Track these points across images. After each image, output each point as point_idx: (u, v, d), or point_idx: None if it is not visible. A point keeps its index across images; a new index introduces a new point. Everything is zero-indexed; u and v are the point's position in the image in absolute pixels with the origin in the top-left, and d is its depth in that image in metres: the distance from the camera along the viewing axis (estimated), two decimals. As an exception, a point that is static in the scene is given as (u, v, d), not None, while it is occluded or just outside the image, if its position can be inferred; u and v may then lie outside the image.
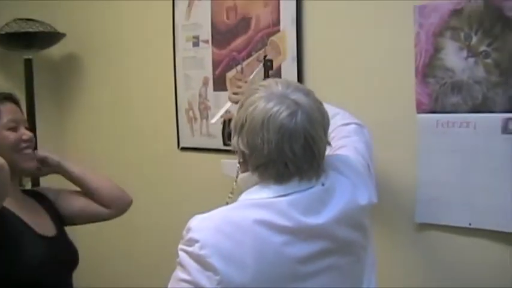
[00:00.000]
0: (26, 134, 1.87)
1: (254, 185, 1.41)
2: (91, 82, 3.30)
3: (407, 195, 2.09)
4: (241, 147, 1.40)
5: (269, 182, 1.39)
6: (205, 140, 2.72)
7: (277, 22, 2.40)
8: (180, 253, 1.34)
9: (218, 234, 1.32)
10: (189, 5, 2.73)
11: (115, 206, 2.11)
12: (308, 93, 1.41)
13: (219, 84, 2.63)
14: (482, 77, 1.90)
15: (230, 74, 2.58)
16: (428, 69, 2.01)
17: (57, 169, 2.05)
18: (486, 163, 1.92)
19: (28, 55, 3.10)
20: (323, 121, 1.41)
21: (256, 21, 2.47)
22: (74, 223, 2.09)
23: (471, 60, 1.92)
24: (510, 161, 1.86)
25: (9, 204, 1.75)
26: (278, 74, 2.38)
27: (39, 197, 2.02)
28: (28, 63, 3.11)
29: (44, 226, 1.91)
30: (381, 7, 2.13)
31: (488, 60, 1.89)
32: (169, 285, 1.36)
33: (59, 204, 2.05)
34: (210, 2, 2.64)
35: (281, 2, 2.38)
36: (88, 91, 3.32)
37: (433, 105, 2.01)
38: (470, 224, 1.96)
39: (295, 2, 2.33)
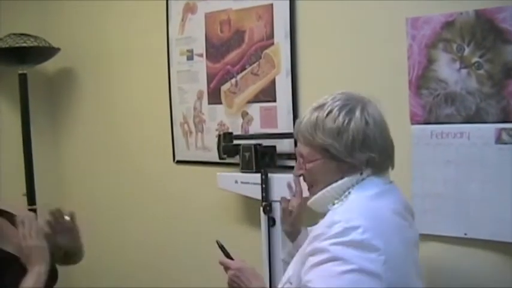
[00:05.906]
0: None
1: (331, 201, 1.49)
2: (85, 96, 3.30)
3: (402, 206, 2.09)
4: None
5: (372, 178, 1.50)
6: (201, 153, 2.72)
7: (271, 35, 2.41)
8: (333, 248, 1.33)
9: (370, 219, 1.37)
10: (183, 19, 2.74)
11: None
12: None
13: (214, 97, 2.64)
14: (475, 88, 1.92)
15: (225, 88, 2.58)
16: (422, 80, 2.02)
17: None
18: (480, 173, 1.93)
19: (23, 70, 3.11)
20: None
21: (250, 35, 2.48)
22: None
23: (464, 71, 1.94)
24: (504, 170, 1.88)
25: None
26: (272, 87, 2.39)
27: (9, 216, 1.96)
28: (23, 78, 3.11)
29: None
30: (374, 20, 2.15)
31: (481, 72, 1.90)
32: (322, 286, 1.32)
33: None
34: (203, 15, 2.65)
35: (274, 15, 2.39)
36: (82, 105, 3.32)
37: (427, 116, 2.02)
38: (465, 234, 1.97)
39: (288, 15, 2.35)
